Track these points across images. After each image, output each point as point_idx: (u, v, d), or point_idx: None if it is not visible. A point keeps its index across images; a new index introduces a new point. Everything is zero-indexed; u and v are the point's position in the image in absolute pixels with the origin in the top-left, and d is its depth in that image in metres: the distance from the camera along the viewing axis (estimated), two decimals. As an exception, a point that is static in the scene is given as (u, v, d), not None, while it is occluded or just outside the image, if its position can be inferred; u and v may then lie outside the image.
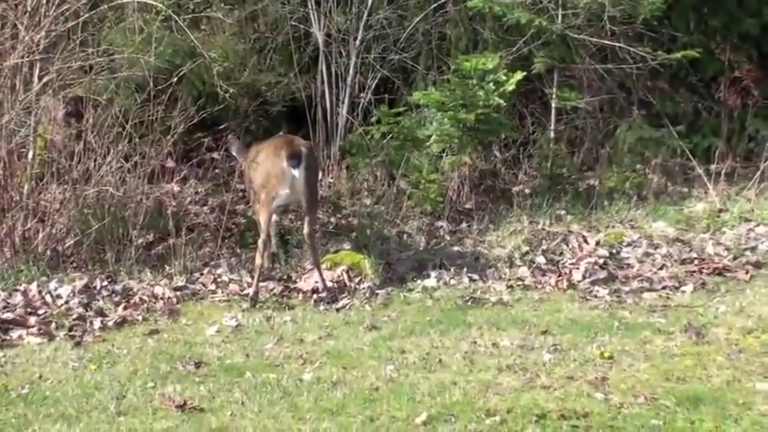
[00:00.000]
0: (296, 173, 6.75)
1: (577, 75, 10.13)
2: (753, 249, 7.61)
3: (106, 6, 8.26)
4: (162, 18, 8.39)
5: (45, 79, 7.60)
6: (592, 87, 10.17)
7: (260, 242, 6.94)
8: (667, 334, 5.87)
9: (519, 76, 9.05)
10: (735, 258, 7.43)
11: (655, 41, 9.91)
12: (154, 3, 8.33)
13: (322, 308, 6.65)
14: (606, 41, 9.72)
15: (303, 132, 9.47)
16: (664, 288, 6.87)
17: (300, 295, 6.94)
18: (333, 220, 8.62)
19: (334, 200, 8.98)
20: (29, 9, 7.49)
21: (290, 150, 6.80)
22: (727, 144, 10.04)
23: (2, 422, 4.73)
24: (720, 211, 8.62)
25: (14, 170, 7.56)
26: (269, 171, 6.95)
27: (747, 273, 7.11)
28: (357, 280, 7.17)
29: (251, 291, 6.81)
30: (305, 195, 6.91)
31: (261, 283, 6.90)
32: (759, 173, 9.26)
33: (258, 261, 6.87)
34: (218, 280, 7.22)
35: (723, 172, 9.34)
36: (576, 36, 9.65)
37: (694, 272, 7.18)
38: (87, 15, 7.85)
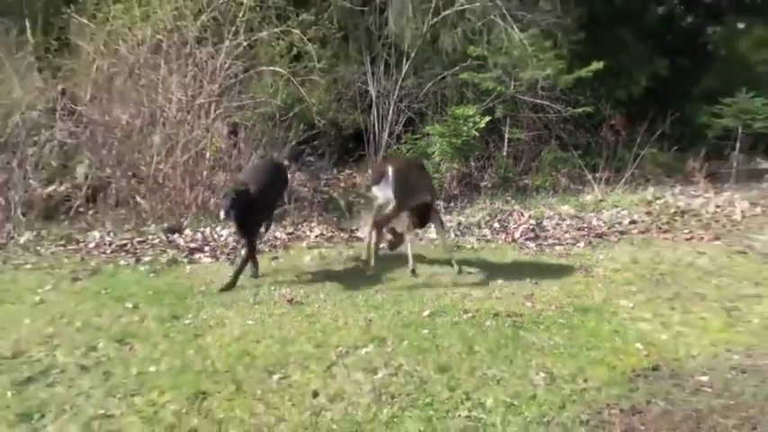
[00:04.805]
0: None
1: (520, 119, 10.04)
2: (619, 223, 7.47)
3: (253, 72, 8.28)
4: (284, 78, 8.38)
5: (217, 112, 7.65)
6: (529, 127, 10.07)
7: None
8: (569, 270, 5.81)
9: (486, 119, 9.03)
10: (609, 228, 7.32)
11: (566, 101, 9.79)
12: (280, 70, 8.33)
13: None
14: (538, 100, 9.65)
15: (362, 147, 9.53)
16: (567, 244, 6.78)
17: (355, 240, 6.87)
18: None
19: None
20: (209, 71, 7.52)
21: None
22: (606, 162, 9.87)
23: (188, 306, 4.74)
24: (601, 200, 8.48)
25: (199, 163, 7.62)
26: (417, 182, 5.35)
27: (616, 237, 7.03)
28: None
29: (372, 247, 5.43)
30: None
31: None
32: (623, 180, 9.13)
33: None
34: (310, 231, 7.17)
35: (603, 178, 9.23)
36: (521, 97, 9.63)
37: (585, 235, 7.08)
38: (243, 76, 7.89)
